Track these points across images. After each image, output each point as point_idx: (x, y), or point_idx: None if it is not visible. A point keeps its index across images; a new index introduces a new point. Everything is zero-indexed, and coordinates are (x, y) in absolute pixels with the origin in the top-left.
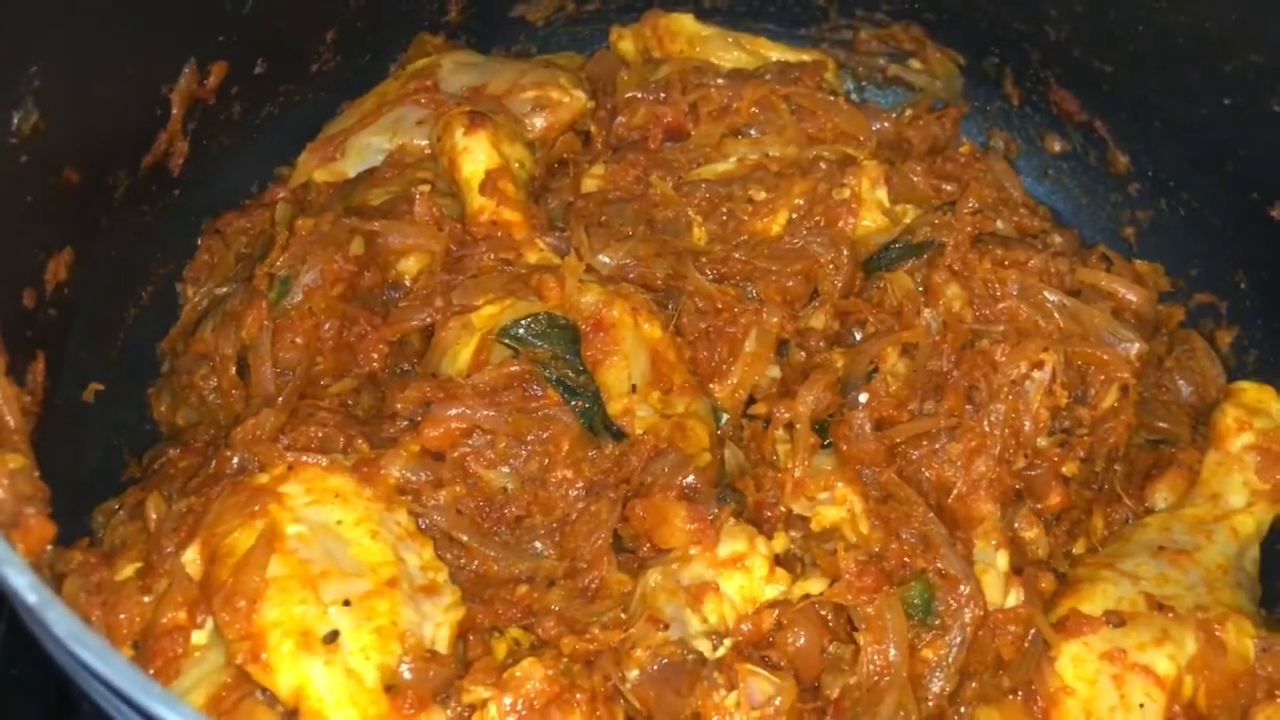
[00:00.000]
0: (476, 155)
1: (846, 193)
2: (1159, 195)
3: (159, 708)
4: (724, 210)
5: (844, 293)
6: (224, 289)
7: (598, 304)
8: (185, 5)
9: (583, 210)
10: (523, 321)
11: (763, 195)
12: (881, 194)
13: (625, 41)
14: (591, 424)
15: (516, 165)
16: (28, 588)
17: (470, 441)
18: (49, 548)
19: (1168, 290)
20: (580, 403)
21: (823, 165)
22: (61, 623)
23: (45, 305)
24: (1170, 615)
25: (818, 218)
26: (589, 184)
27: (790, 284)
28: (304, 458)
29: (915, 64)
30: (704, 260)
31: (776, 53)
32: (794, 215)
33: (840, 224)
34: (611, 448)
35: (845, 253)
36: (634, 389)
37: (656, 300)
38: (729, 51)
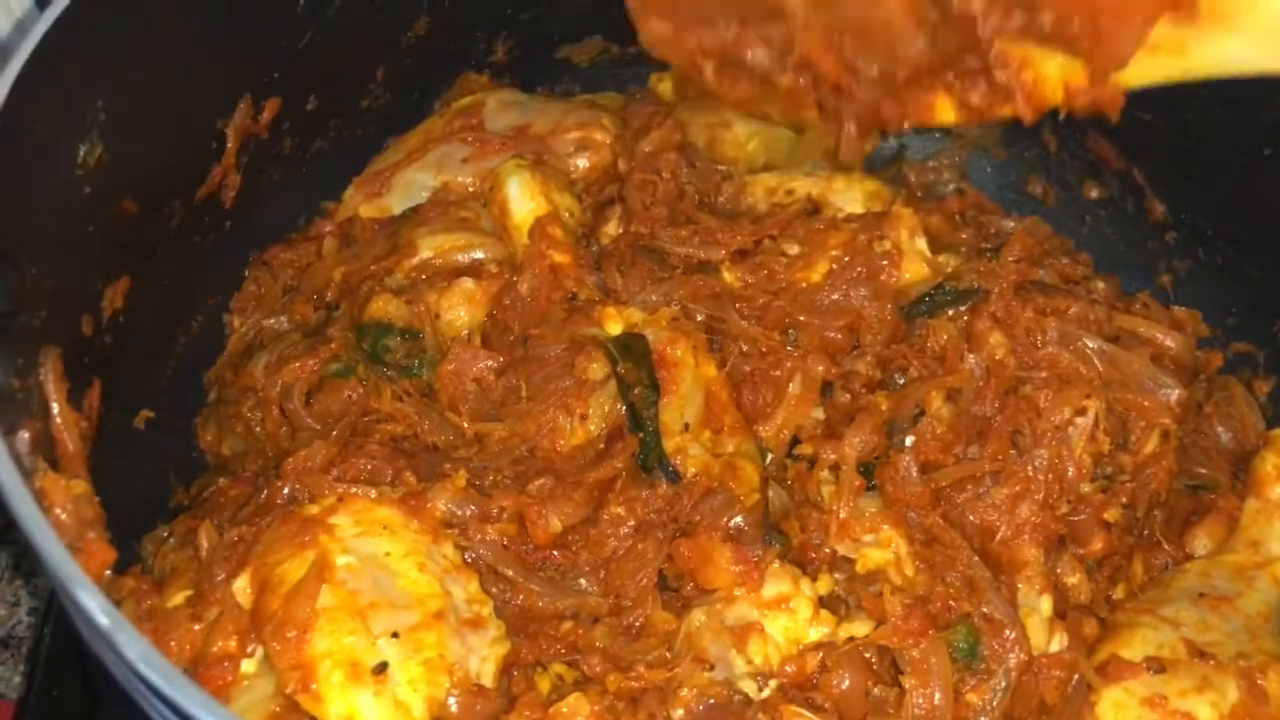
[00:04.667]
0: (526, 202)
1: (887, 244)
2: (1196, 244)
3: None
4: (755, 260)
5: (886, 343)
6: (271, 320)
7: (661, 341)
8: (243, 42)
9: (614, 251)
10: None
11: (796, 249)
12: (922, 244)
13: (665, 84)
14: (646, 461)
15: (566, 214)
16: (99, 610)
17: None
18: (107, 573)
19: (1205, 336)
20: (642, 435)
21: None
22: (132, 645)
23: (102, 332)
24: (1211, 663)
25: (859, 269)
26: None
27: (833, 335)
28: (353, 489)
29: None
30: (742, 305)
31: None
32: (834, 266)
33: (883, 276)
34: (665, 488)
35: (889, 307)
36: (686, 428)
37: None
38: None
